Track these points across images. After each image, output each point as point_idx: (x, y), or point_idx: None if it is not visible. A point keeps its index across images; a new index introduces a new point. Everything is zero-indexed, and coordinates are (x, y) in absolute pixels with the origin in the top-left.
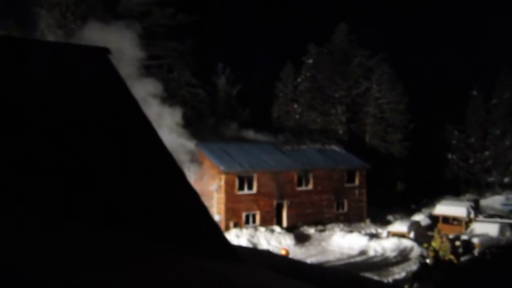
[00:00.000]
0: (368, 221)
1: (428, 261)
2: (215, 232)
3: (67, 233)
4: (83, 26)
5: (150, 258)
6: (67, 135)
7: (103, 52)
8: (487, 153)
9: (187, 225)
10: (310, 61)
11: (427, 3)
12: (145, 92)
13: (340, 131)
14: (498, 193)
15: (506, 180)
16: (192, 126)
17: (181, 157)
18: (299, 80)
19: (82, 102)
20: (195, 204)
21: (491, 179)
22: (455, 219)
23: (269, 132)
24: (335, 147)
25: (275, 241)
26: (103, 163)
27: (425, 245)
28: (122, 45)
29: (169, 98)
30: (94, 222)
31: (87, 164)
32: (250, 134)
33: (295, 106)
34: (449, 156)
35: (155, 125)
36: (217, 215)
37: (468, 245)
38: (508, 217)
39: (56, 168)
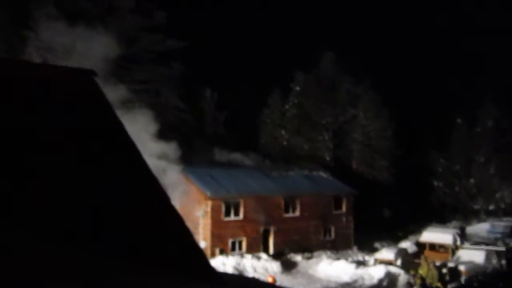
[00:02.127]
0: (355, 248)
1: None
2: (199, 258)
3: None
4: (72, 50)
5: (132, 282)
6: (53, 158)
7: (90, 74)
8: (472, 180)
9: (171, 250)
10: (298, 88)
11: (413, 32)
12: (132, 117)
13: (327, 158)
14: (484, 220)
15: (491, 207)
16: (179, 151)
17: (167, 182)
18: (286, 106)
19: (68, 124)
20: (179, 229)
21: (476, 206)
22: (441, 246)
23: (256, 157)
24: (322, 173)
25: (261, 268)
26: (87, 187)
27: (412, 272)
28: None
29: (157, 123)
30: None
31: (72, 187)
32: (238, 159)
33: (283, 132)
34: (435, 183)
35: (142, 148)
36: (203, 242)
37: (454, 273)
38: (494, 244)
39: (42, 191)
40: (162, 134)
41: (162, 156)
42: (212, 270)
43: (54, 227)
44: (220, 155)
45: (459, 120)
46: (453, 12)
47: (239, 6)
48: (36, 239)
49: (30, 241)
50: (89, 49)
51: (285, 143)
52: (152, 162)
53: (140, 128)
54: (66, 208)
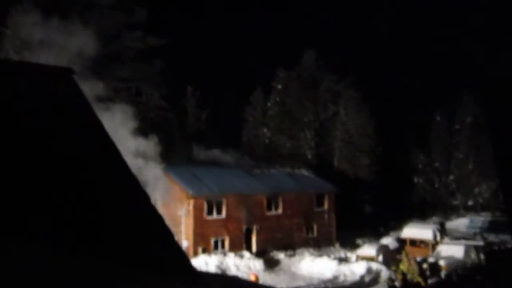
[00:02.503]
0: (337, 245)
1: (396, 284)
2: (181, 258)
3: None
4: (50, 46)
5: (113, 283)
6: (30, 157)
7: (68, 72)
8: (451, 176)
9: (151, 250)
10: (279, 85)
11: (392, 28)
12: (112, 115)
13: (309, 155)
14: (463, 216)
15: (470, 203)
16: (161, 149)
17: (149, 181)
18: (268, 104)
19: (45, 122)
20: (160, 229)
21: (455, 202)
22: (422, 242)
23: (238, 155)
24: (304, 171)
25: (244, 266)
26: (69, 189)
27: (394, 268)
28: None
29: (138, 121)
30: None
31: (56, 190)
32: (220, 157)
33: (265, 130)
34: (416, 179)
35: (122, 147)
36: (185, 241)
37: (435, 268)
38: (472, 239)
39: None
40: (143, 133)
41: (143, 155)
42: (193, 270)
43: (30, 229)
44: (202, 153)
45: (437, 117)
46: (430, 9)
47: (221, 3)
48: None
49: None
50: (68, 45)
51: (267, 141)
52: (133, 161)
53: (120, 126)
54: (39, 208)
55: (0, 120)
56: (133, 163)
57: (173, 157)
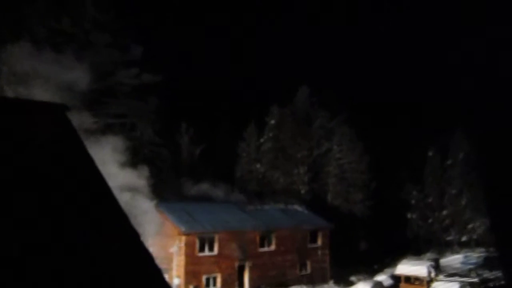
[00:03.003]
0: (331, 282)
1: None
2: None
3: None
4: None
5: None
6: (22, 196)
7: (61, 109)
8: (445, 212)
9: None
10: (273, 121)
11: (385, 66)
12: (106, 150)
13: (303, 191)
14: (457, 252)
15: (464, 238)
16: (154, 185)
17: (140, 216)
18: (262, 140)
19: (38, 159)
20: (149, 267)
21: (449, 237)
22: (416, 278)
23: (231, 191)
24: (298, 207)
25: None
26: (58, 224)
27: None
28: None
29: (131, 156)
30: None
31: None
32: (213, 193)
33: (258, 165)
34: (409, 215)
35: (113, 182)
36: (177, 278)
37: None
38: (467, 276)
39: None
40: (136, 168)
41: (135, 190)
42: None
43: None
44: (195, 189)
45: (430, 153)
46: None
47: (215, 39)
48: None
49: None
50: (62, 81)
51: (260, 176)
52: (124, 196)
53: (112, 160)
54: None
55: None
56: (124, 198)
57: (165, 192)
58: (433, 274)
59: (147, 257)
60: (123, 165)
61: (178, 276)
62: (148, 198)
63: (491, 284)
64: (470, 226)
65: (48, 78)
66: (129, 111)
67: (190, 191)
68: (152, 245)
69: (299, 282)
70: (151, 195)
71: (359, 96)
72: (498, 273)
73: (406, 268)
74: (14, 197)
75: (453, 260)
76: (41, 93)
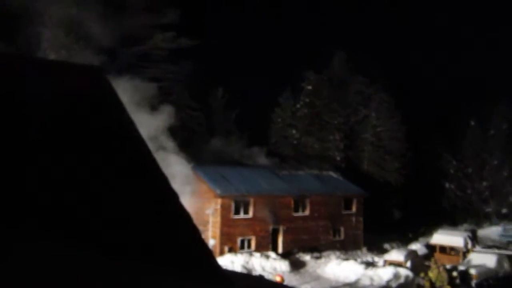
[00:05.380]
0: (364, 249)
1: None
2: (208, 257)
3: (69, 260)
4: (86, 46)
5: (141, 283)
6: (66, 156)
7: (99, 71)
8: (484, 183)
9: (179, 250)
10: (309, 87)
11: (426, 34)
12: (144, 114)
13: (338, 158)
14: (496, 224)
15: (504, 211)
16: (190, 148)
17: (178, 179)
18: (297, 106)
19: (78, 122)
20: (188, 228)
21: (488, 209)
22: (452, 249)
23: (266, 156)
24: (332, 174)
25: (270, 267)
26: (100, 186)
27: (422, 274)
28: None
29: (169, 120)
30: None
31: (86, 187)
32: (248, 158)
33: (293, 131)
34: (447, 185)
35: (153, 145)
36: (212, 240)
37: (465, 276)
38: (506, 248)
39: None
40: (174, 132)
41: (173, 153)
42: (219, 269)
43: (64, 227)
44: (231, 153)
45: (472, 122)
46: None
47: (250, 5)
48: (45, 241)
49: (39, 242)
50: (101, 46)
51: (295, 142)
52: (163, 159)
53: (153, 125)
54: (76, 207)
55: (33, 120)
56: (164, 161)
57: (201, 156)
58: (469, 245)
59: (186, 218)
60: (162, 128)
61: (214, 238)
62: (185, 161)
63: None
64: (510, 198)
65: (87, 42)
66: (166, 75)
67: (225, 155)
68: (189, 207)
69: (332, 248)
70: (188, 158)
71: (398, 62)
72: None
73: (442, 237)
74: (53, 158)
75: (491, 232)
76: (81, 58)
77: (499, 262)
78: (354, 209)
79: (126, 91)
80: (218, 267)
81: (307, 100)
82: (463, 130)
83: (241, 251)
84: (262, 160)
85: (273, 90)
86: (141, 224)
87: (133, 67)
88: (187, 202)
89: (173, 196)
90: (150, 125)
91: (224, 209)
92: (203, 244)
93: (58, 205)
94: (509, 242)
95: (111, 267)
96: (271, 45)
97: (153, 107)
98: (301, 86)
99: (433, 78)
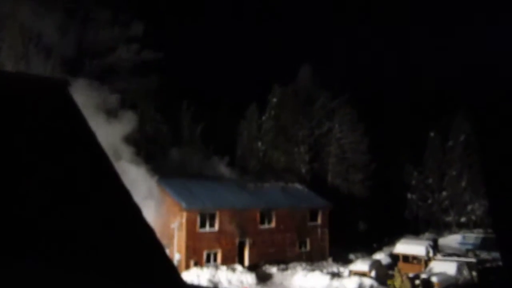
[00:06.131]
0: (330, 260)
1: None
2: (171, 273)
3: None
4: (47, 58)
5: None
6: (22, 169)
7: (63, 84)
8: (444, 193)
9: (141, 265)
10: (275, 100)
11: (388, 47)
12: (106, 127)
13: (303, 170)
14: (455, 233)
15: (463, 219)
16: (155, 161)
17: (141, 193)
18: (263, 118)
19: (39, 134)
20: (150, 243)
21: (448, 218)
22: (414, 258)
23: (232, 170)
24: (298, 186)
25: (236, 280)
26: (58, 198)
27: (390, 282)
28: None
29: (132, 133)
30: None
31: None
32: (214, 171)
33: (259, 144)
34: (409, 196)
35: (115, 158)
36: (178, 254)
37: (427, 284)
38: (465, 256)
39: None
40: (138, 145)
41: (136, 166)
42: (183, 284)
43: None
44: (196, 167)
45: (431, 134)
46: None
47: (218, 18)
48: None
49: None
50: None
51: (261, 155)
52: (127, 172)
53: (115, 137)
54: (35, 220)
55: None
56: (127, 174)
57: (166, 169)
58: (431, 254)
59: (149, 232)
60: (125, 141)
61: (179, 252)
62: (150, 174)
63: (488, 265)
64: (469, 207)
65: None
66: (131, 87)
67: (191, 169)
68: (153, 221)
69: (298, 259)
70: (152, 171)
71: (361, 77)
72: (495, 254)
73: (405, 247)
74: (15, 172)
75: (451, 240)
76: (41, 68)
77: (459, 269)
78: (319, 221)
79: (89, 102)
80: (182, 282)
81: (273, 112)
82: (424, 142)
83: (207, 264)
84: (228, 173)
85: (239, 103)
86: (101, 239)
87: (96, 78)
88: (151, 216)
89: (136, 211)
90: (112, 136)
91: (190, 223)
92: (166, 259)
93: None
94: (468, 250)
95: (70, 283)
96: (237, 58)
97: (116, 119)
98: (267, 99)
99: (396, 89)
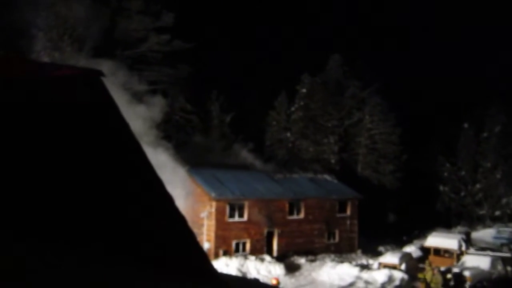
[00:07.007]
0: (359, 252)
1: None
2: (203, 261)
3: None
4: (80, 49)
5: (133, 283)
6: (60, 162)
7: (97, 75)
8: (478, 185)
9: (173, 252)
10: (304, 90)
11: (421, 36)
12: (139, 118)
13: (332, 161)
14: (489, 226)
15: (497, 213)
16: (185, 151)
17: (172, 182)
18: (292, 109)
19: (73, 128)
20: (182, 230)
21: (482, 212)
22: (446, 251)
23: (261, 160)
24: (327, 177)
25: (265, 270)
26: (97, 190)
27: (421, 275)
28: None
29: (164, 123)
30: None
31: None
32: (243, 161)
33: (288, 134)
34: (441, 188)
35: (148, 148)
36: (207, 243)
37: (459, 278)
38: (499, 251)
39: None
40: (169, 135)
41: (169, 156)
42: (214, 272)
43: (57, 231)
44: (225, 156)
45: (465, 125)
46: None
47: (248, 8)
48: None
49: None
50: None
51: (290, 145)
52: (158, 162)
53: (147, 128)
54: (69, 210)
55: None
56: (158, 164)
57: (195, 159)
58: (463, 247)
59: (181, 220)
60: (157, 131)
61: (208, 241)
62: (180, 164)
63: None
64: (504, 200)
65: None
66: (161, 78)
67: (220, 158)
68: (184, 210)
69: (327, 251)
70: (183, 161)
71: (392, 65)
72: None
73: (436, 240)
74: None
75: (485, 234)
76: (74, 60)
77: (493, 264)
78: (348, 212)
79: (122, 94)
80: (214, 270)
81: (302, 103)
82: (457, 133)
83: (236, 254)
84: (257, 163)
85: (269, 93)
86: (136, 227)
87: (128, 69)
88: (182, 205)
89: (168, 199)
90: (143, 125)
91: (219, 212)
92: (198, 248)
93: (50, 209)
94: (502, 244)
95: (103, 272)
96: (267, 48)
97: (147, 107)
98: (296, 89)
99: (428, 80)
